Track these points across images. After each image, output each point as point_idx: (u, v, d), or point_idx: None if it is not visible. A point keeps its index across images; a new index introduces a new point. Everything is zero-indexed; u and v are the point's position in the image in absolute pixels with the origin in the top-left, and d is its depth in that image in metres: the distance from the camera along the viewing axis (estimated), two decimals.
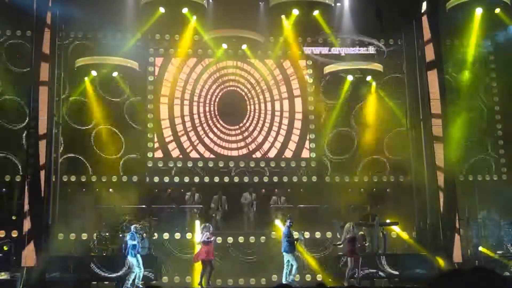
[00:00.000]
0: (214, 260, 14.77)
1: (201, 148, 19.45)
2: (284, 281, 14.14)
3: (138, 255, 13.87)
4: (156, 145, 19.23)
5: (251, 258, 17.20)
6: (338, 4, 18.70)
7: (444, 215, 16.09)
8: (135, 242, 13.76)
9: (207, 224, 14.98)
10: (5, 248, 15.88)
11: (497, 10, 17.84)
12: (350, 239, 14.33)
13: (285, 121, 19.93)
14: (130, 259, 13.81)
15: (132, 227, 14.31)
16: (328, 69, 19.31)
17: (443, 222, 16.03)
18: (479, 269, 2.54)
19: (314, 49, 18.94)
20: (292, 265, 14.34)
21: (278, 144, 19.76)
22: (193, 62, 19.94)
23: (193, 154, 19.33)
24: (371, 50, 18.39)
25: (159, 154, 19.18)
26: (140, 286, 13.72)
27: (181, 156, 19.26)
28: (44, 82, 15.92)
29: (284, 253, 14.38)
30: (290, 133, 19.85)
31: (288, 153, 19.68)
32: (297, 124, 19.94)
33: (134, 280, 13.78)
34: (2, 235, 16.71)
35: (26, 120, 17.54)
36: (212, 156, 19.40)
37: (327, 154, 19.77)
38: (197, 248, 14.80)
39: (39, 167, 15.29)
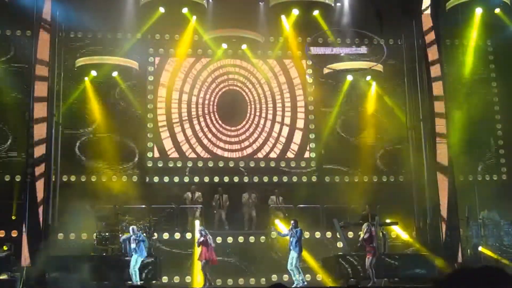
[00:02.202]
0: (210, 262, 14.77)
1: (199, 148, 19.41)
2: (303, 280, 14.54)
3: (134, 256, 14.19)
4: (156, 145, 19.19)
5: (251, 258, 17.17)
6: (338, 4, 18.70)
7: (447, 214, 16.13)
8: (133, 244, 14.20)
9: (201, 227, 15.16)
10: (5, 247, 15.84)
11: (497, 10, 17.86)
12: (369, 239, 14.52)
13: (287, 124, 19.88)
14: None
15: (131, 228, 14.51)
16: (328, 69, 19.30)
17: (446, 222, 16.07)
18: (488, 267, 2.54)
19: (314, 49, 18.95)
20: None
21: (279, 145, 19.72)
22: (193, 62, 19.91)
23: (192, 155, 19.29)
24: (371, 50, 18.40)
25: (158, 154, 19.14)
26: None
27: (179, 156, 19.23)
28: (44, 83, 15.92)
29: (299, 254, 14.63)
30: (291, 133, 19.80)
31: (289, 154, 19.65)
32: (299, 124, 19.90)
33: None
34: (2, 235, 16.71)
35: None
36: (210, 156, 19.36)
37: (327, 154, 19.74)
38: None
39: (35, 167, 15.33)
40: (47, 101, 15.94)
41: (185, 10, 17.69)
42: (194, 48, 19.76)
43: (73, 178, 18.33)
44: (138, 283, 13.85)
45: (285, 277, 16.39)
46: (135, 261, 14.16)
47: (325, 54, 18.80)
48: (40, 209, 15.34)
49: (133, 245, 14.23)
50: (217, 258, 14.96)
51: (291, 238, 14.56)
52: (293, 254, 14.59)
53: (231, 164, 19.29)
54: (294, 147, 19.74)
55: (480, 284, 2.45)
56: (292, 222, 14.86)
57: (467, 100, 19.42)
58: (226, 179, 19.03)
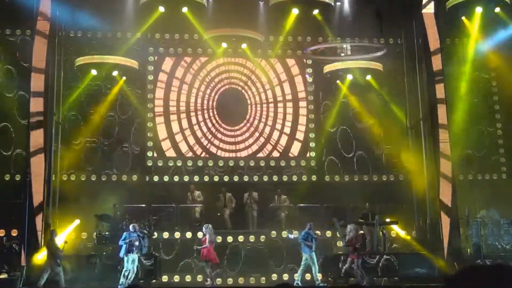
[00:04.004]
0: (212, 261, 14.78)
1: (197, 148, 19.39)
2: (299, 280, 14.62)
3: (131, 255, 14.09)
4: (155, 144, 19.17)
5: (251, 257, 17.16)
6: (338, 3, 18.68)
7: (451, 214, 16.15)
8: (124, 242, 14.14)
9: (206, 224, 15.13)
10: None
11: (497, 9, 17.84)
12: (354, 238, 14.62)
13: (288, 123, 19.86)
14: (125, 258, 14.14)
15: (131, 226, 14.46)
16: (328, 68, 19.29)
17: (450, 221, 16.10)
18: (499, 265, 2.55)
19: (313, 49, 18.94)
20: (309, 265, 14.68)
21: (279, 144, 19.69)
22: (192, 61, 19.88)
23: (191, 154, 19.27)
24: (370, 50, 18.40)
25: (158, 153, 19.13)
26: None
27: (179, 156, 19.20)
28: (43, 82, 15.91)
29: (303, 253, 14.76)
30: (292, 133, 19.78)
31: (290, 153, 19.63)
32: (300, 123, 19.88)
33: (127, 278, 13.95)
34: (2, 234, 16.70)
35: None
36: (209, 156, 19.32)
37: (327, 153, 19.73)
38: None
39: (28, 166, 15.33)
40: (46, 100, 15.94)
41: (185, 9, 17.65)
42: (194, 47, 19.74)
43: (73, 178, 18.30)
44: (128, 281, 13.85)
45: (285, 276, 16.43)
46: (126, 260, 14.16)
47: (327, 52, 18.78)
48: (39, 209, 15.34)
49: (125, 245, 14.25)
50: (205, 257, 14.86)
51: (309, 241, 14.69)
52: (313, 256, 14.76)
53: (231, 163, 19.28)
54: (295, 146, 19.71)
55: (492, 281, 2.46)
56: (309, 225, 15.01)
57: (467, 99, 19.41)
58: (226, 178, 19.01)
